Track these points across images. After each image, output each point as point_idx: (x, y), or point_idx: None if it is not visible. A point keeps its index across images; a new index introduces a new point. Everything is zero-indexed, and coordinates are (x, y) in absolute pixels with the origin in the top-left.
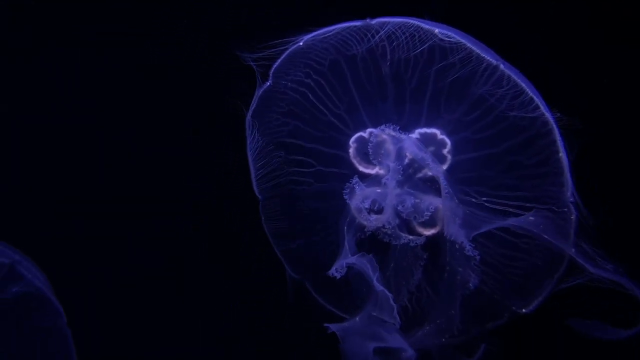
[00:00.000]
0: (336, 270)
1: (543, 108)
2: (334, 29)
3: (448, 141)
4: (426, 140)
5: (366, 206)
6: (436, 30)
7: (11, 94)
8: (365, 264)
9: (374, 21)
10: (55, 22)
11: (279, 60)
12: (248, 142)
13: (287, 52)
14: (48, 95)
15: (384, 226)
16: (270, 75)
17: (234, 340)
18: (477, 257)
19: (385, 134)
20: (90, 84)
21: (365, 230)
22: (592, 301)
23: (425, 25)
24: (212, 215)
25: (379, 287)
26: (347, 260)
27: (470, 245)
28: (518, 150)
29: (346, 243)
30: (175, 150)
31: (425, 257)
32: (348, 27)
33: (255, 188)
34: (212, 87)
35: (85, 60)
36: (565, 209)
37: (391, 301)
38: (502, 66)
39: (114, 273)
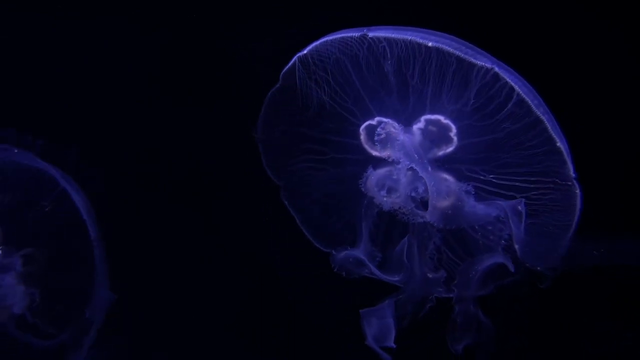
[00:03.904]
0: (338, 259)
1: (534, 107)
2: (333, 38)
3: (453, 125)
4: (432, 124)
5: (382, 193)
6: (430, 44)
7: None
8: (364, 255)
9: (371, 34)
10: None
11: (288, 66)
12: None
13: (294, 58)
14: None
15: (400, 208)
16: (280, 78)
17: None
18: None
19: (389, 127)
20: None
21: (383, 209)
22: None
23: (420, 40)
24: (229, 204)
25: (380, 275)
26: (351, 252)
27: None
28: (519, 134)
29: (362, 226)
30: (192, 145)
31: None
32: (347, 36)
33: (274, 176)
34: (226, 88)
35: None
36: (569, 183)
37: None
38: (496, 68)
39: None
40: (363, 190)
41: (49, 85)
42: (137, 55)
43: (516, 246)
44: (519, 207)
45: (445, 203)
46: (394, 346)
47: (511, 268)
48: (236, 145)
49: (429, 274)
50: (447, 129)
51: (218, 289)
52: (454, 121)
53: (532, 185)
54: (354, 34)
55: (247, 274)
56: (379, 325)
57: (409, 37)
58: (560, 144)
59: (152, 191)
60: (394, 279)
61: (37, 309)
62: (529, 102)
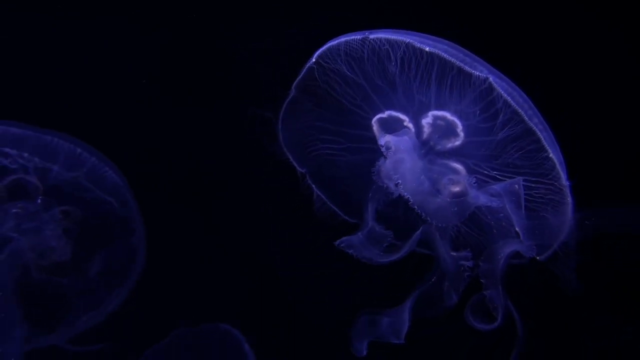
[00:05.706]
0: (342, 242)
1: (527, 118)
2: (338, 43)
3: (459, 122)
4: (439, 119)
5: (392, 183)
6: (427, 49)
7: (13, 91)
8: (373, 236)
9: (372, 36)
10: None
11: (300, 76)
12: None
13: (305, 68)
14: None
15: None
16: (293, 88)
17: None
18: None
19: (389, 137)
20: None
21: (393, 196)
22: None
23: (418, 44)
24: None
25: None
26: (350, 241)
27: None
28: (518, 138)
29: (369, 211)
30: (192, 145)
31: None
32: (351, 39)
33: (296, 165)
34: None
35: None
36: (564, 189)
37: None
38: (491, 79)
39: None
40: (375, 179)
41: (49, 85)
42: (137, 55)
43: (517, 230)
44: (516, 186)
45: (453, 190)
46: (403, 342)
47: (529, 255)
48: (236, 145)
49: (453, 253)
50: (453, 124)
51: (218, 289)
52: (459, 119)
53: (533, 185)
54: (356, 37)
55: (247, 274)
56: (393, 322)
57: (407, 40)
58: (553, 154)
59: (152, 191)
60: (396, 257)
61: (69, 261)
62: (522, 113)
